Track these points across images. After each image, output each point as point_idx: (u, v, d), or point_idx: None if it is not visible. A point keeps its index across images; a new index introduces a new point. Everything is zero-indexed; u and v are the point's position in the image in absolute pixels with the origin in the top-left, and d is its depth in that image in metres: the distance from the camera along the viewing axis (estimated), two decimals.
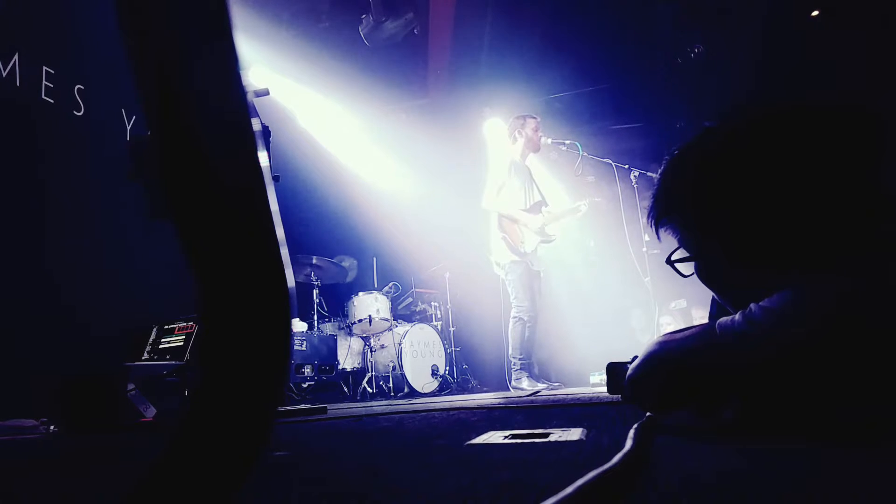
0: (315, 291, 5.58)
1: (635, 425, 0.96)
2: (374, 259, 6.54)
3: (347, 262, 6.21)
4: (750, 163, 1.03)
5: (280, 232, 0.38)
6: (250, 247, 0.37)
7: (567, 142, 4.59)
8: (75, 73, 3.62)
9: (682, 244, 1.14)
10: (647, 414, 1.21)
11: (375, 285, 6.17)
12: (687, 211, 1.11)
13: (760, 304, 0.96)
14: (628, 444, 0.79)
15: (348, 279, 6.28)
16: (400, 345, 5.34)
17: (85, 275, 3.36)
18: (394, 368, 5.35)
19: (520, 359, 4.29)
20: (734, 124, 1.10)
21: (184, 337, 2.90)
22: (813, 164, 0.99)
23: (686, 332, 1.09)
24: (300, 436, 1.61)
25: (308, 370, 4.65)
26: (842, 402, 0.91)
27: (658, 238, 1.18)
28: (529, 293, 4.34)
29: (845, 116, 0.98)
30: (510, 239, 4.37)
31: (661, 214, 1.14)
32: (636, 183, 4.36)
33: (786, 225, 0.99)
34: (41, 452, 1.69)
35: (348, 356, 5.46)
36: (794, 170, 1.00)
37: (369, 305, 5.53)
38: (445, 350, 5.75)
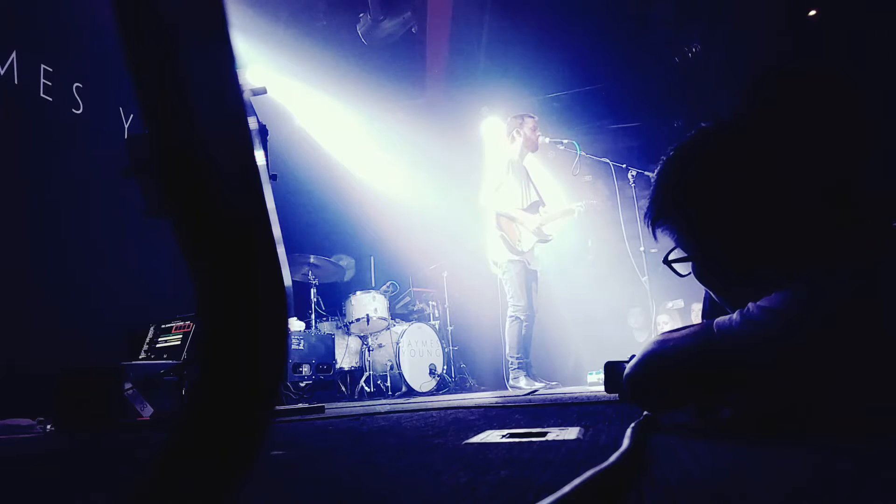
0: (312, 290, 5.57)
1: (633, 424, 0.96)
2: (372, 258, 6.53)
3: (345, 261, 6.20)
4: (746, 162, 1.04)
5: (277, 231, 0.38)
6: (247, 246, 0.36)
7: (565, 140, 4.59)
8: (73, 72, 3.61)
9: (679, 244, 1.14)
10: (645, 413, 1.22)
11: (373, 284, 6.16)
12: (684, 211, 1.11)
13: (758, 303, 0.96)
14: (625, 442, 0.79)
15: (346, 278, 6.27)
16: (398, 344, 5.33)
17: (82, 274, 3.36)
18: (391, 367, 5.35)
19: (517, 358, 4.29)
20: (729, 124, 1.11)
21: (181, 336, 2.89)
22: (808, 161, 0.99)
23: (684, 332, 1.09)
24: (298, 435, 1.61)
25: (306, 369, 4.64)
26: (840, 401, 0.91)
27: (655, 238, 1.18)
28: (526, 292, 4.34)
29: (836, 111, 0.99)
30: (508, 237, 4.37)
31: (658, 215, 1.14)
32: (634, 182, 4.36)
33: (783, 223, 0.99)
34: (38, 452, 1.69)
35: (346, 355, 5.45)
36: (790, 167, 1.00)
37: (367, 304, 5.52)
38: (443, 349, 5.75)
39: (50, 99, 3.44)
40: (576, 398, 2.37)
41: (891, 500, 0.53)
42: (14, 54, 3.25)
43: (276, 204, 0.38)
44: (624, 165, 4.41)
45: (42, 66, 3.42)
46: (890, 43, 3.80)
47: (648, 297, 4.34)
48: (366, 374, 5.31)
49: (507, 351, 4.39)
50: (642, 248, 4.28)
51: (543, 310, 4.72)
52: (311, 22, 5.62)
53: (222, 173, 0.36)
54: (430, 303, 6.29)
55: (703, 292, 1.24)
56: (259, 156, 0.37)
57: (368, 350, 5.45)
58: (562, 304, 6.23)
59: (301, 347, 4.65)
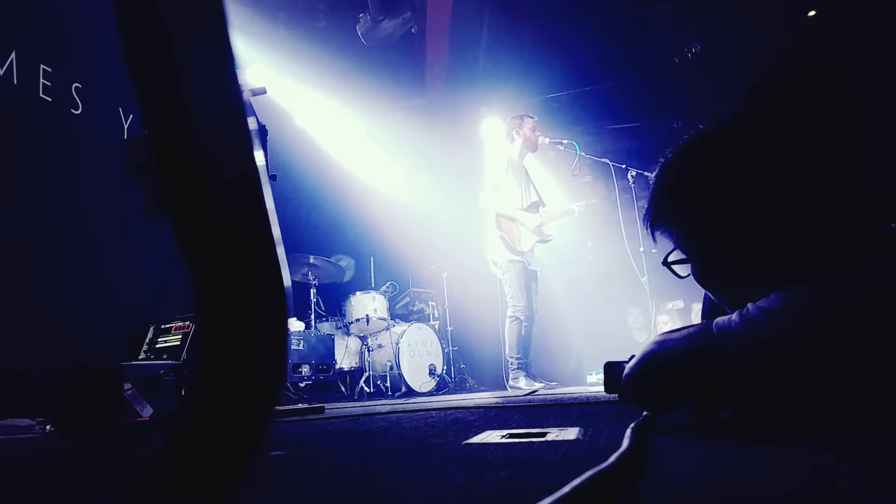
0: (312, 291, 5.57)
1: (632, 424, 0.96)
2: (372, 258, 6.53)
3: (345, 262, 6.19)
4: (745, 163, 1.04)
5: (276, 231, 0.38)
6: (247, 246, 0.36)
7: (565, 141, 4.59)
8: (73, 72, 3.61)
9: (678, 246, 1.14)
10: (645, 413, 1.22)
11: (373, 284, 6.16)
12: (682, 213, 1.11)
13: (758, 304, 0.96)
14: (625, 443, 0.79)
15: (346, 278, 6.26)
16: (397, 344, 5.33)
17: (82, 274, 3.35)
18: (391, 368, 5.35)
19: (517, 358, 4.29)
20: (728, 125, 1.10)
21: (180, 336, 2.89)
22: (808, 162, 0.99)
23: (683, 332, 1.09)
24: (298, 435, 1.61)
25: (305, 370, 4.64)
26: (840, 401, 0.91)
27: (654, 240, 1.18)
28: (526, 292, 4.34)
29: (835, 111, 0.99)
30: (508, 238, 4.37)
31: (657, 217, 1.14)
32: (633, 183, 4.36)
33: (782, 224, 0.99)
34: (38, 452, 1.68)
35: (346, 356, 5.45)
36: (790, 168, 1.00)
37: (367, 305, 5.52)
38: (443, 349, 5.75)
39: (49, 99, 3.44)
40: (575, 398, 2.37)
41: (891, 500, 0.53)
42: (13, 55, 3.25)
43: (275, 204, 0.38)
44: (624, 166, 4.41)
45: (41, 66, 3.42)
46: (890, 43, 3.80)
47: (648, 298, 4.34)
48: (365, 374, 5.31)
49: (507, 351, 4.38)
50: (642, 249, 4.28)
51: (543, 310, 4.72)
52: (311, 22, 5.62)
53: (222, 173, 0.36)
54: (430, 303, 6.29)
55: (703, 293, 1.24)
56: (259, 156, 0.37)
57: (368, 350, 5.45)
58: (562, 304, 6.23)
59: (301, 348, 4.64)
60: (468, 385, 5.96)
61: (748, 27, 5.34)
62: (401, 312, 6.35)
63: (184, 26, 0.34)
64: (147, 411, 2.40)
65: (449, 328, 6.05)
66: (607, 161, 4.45)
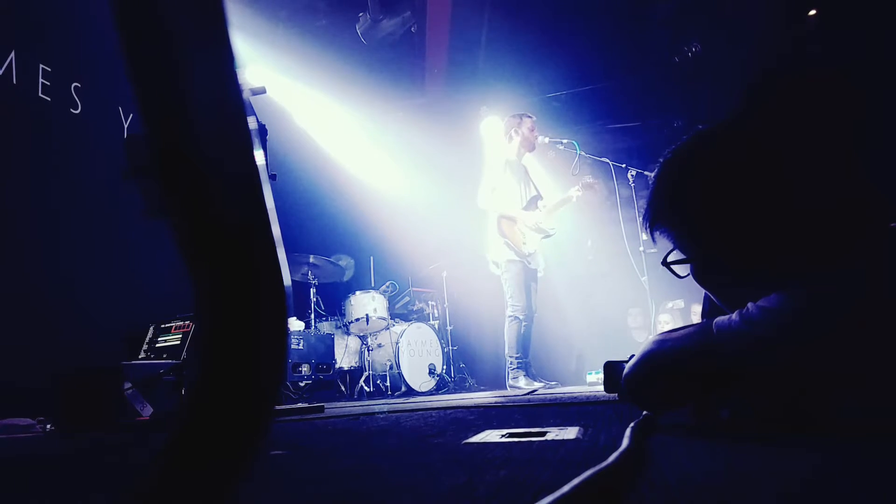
0: (312, 290, 5.57)
1: (632, 424, 0.96)
2: (372, 258, 6.53)
3: (344, 261, 6.19)
4: (745, 163, 1.04)
5: (276, 231, 0.38)
6: (246, 246, 0.36)
7: (564, 140, 4.59)
8: (72, 71, 3.61)
9: (678, 247, 1.14)
10: (644, 413, 1.22)
11: (373, 284, 6.16)
12: (682, 214, 1.11)
13: (758, 303, 0.96)
14: (625, 442, 0.79)
15: (345, 278, 6.27)
16: (397, 344, 5.33)
17: (81, 274, 3.35)
18: (391, 367, 5.35)
19: (516, 358, 4.29)
20: (727, 126, 1.10)
21: (180, 336, 2.89)
22: (806, 166, 0.99)
23: (683, 332, 1.09)
24: (298, 435, 1.61)
25: (305, 369, 4.64)
26: (839, 401, 0.91)
27: (653, 241, 1.18)
28: (526, 292, 4.34)
29: (836, 111, 0.99)
30: (512, 242, 4.36)
31: (656, 218, 1.14)
32: (633, 182, 4.37)
33: (782, 224, 0.99)
34: (38, 452, 1.68)
35: (345, 355, 5.45)
36: (790, 168, 1.00)
37: (366, 304, 5.52)
38: (442, 349, 5.75)
39: (48, 99, 3.43)
40: (575, 398, 2.37)
41: (890, 500, 0.53)
42: (13, 54, 3.24)
43: (275, 204, 0.38)
44: (623, 165, 4.42)
45: (41, 66, 3.42)
46: (890, 43, 3.80)
47: (648, 297, 4.34)
48: (365, 373, 5.31)
49: (507, 351, 4.38)
50: (641, 249, 4.28)
51: (543, 309, 4.72)
52: (311, 21, 5.62)
53: (222, 173, 0.36)
54: (430, 303, 6.29)
55: (703, 293, 1.24)
56: (258, 155, 0.37)
57: (368, 350, 5.45)
58: (562, 303, 6.23)
59: (300, 347, 4.65)
60: (468, 384, 5.96)
61: (748, 27, 5.34)
62: (400, 312, 6.35)
63: (184, 26, 0.34)
64: (147, 411, 2.40)
65: (448, 328, 6.05)
66: (607, 161, 4.45)
